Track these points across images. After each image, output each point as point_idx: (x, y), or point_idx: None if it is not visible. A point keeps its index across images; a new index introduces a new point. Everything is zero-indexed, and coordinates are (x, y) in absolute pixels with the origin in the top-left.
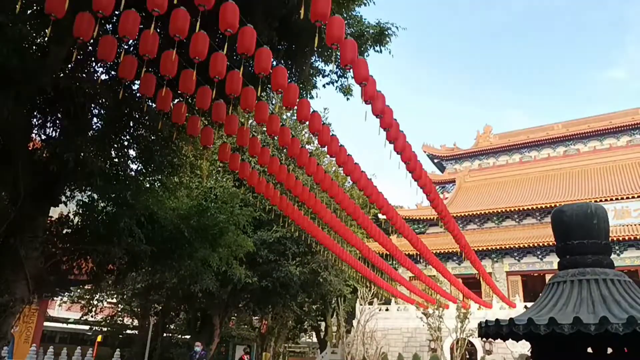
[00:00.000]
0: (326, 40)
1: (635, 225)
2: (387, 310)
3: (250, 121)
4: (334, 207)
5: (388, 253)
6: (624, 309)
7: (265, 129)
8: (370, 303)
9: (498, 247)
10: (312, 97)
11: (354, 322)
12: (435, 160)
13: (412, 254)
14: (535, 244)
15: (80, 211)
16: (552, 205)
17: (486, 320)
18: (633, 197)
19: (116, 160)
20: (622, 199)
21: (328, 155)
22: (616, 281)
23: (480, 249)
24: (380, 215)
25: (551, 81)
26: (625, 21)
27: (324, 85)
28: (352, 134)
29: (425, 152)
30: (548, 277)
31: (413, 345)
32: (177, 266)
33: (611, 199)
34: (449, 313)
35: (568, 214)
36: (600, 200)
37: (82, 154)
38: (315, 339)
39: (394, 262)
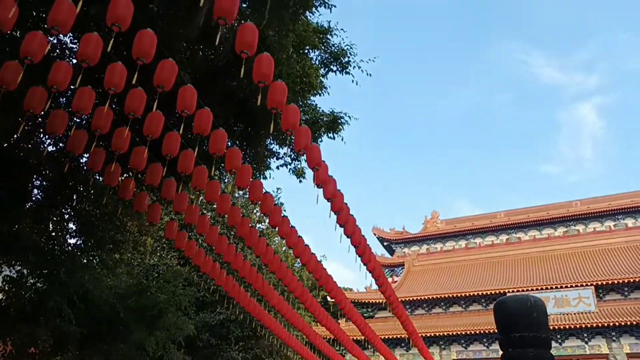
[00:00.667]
0: (282, 126)
1: (574, 314)
2: None
3: (200, 198)
4: (282, 289)
5: (335, 338)
6: None
7: (215, 206)
8: None
9: (445, 334)
10: (265, 178)
11: None
12: (385, 243)
13: (360, 340)
14: (481, 331)
15: (6, 287)
16: (497, 292)
17: None
18: (571, 286)
19: (54, 234)
20: (561, 287)
21: (279, 236)
22: None
23: (428, 335)
24: (329, 299)
25: (494, 172)
26: (556, 122)
27: (277, 167)
28: (304, 215)
29: (375, 234)
30: None
31: None
32: (108, 350)
33: (551, 288)
34: None
35: (509, 306)
36: (542, 289)
37: (17, 226)
38: None
39: (341, 347)
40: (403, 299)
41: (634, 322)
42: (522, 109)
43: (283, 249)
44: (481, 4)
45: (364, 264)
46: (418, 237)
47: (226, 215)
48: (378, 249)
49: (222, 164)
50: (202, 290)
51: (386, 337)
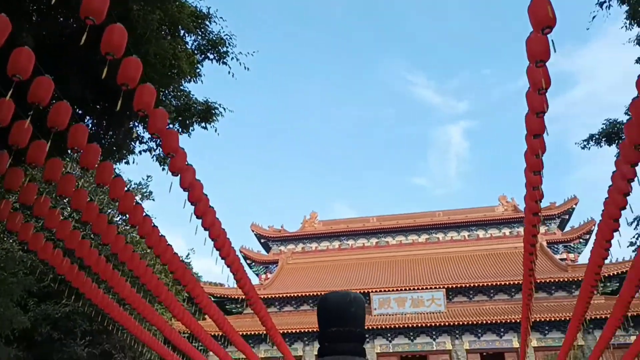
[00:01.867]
0: (134, 106)
1: (427, 313)
2: None
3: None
4: (138, 283)
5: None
6: None
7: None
8: None
9: (310, 330)
10: (128, 163)
11: None
12: (262, 240)
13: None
14: None
15: None
16: (362, 291)
17: None
18: (427, 289)
19: None
20: (419, 289)
21: (130, 224)
22: None
23: (294, 331)
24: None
25: (372, 180)
26: (429, 140)
27: (140, 152)
28: (180, 205)
29: (253, 231)
30: None
31: None
32: None
33: (410, 289)
34: None
35: (330, 302)
36: (402, 290)
37: None
38: None
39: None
40: (273, 296)
41: (475, 322)
42: (402, 124)
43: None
44: (374, 20)
45: (222, 258)
46: (295, 236)
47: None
48: (255, 246)
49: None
50: (47, 280)
51: (255, 332)
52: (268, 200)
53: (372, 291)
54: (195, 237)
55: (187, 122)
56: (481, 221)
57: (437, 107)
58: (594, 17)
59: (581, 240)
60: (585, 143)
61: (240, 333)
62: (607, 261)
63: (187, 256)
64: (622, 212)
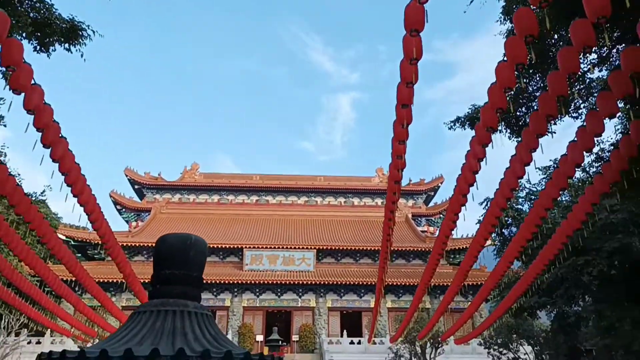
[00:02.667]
0: None
1: (296, 272)
2: (38, 342)
3: None
4: None
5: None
6: (200, 342)
7: None
8: (18, 334)
9: None
10: None
11: None
12: (136, 187)
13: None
14: (215, 281)
15: None
16: (236, 246)
17: (50, 352)
18: (298, 248)
19: None
20: (291, 248)
21: None
22: (195, 314)
23: None
24: (60, 236)
25: (260, 137)
26: (320, 106)
27: None
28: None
29: (127, 175)
30: (219, 312)
31: None
32: None
33: (283, 248)
34: None
35: (168, 243)
36: (275, 248)
37: None
38: None
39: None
40: (142, 244)
41: (340, 282)
42: (294, 85)
43: None
44: None
45: (74, 196)
46: (173, 186)
47: None
48: (127, 192)
49: None
50: None
51: (116, 280)
52: (147, 147)
53: (245, 247)
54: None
55: (47, 40)
56: (358, 189)
57: (331, 74)
58: (471, 2)
59: (441, 215)
60: (452, 124)
61: (99, 280)
62: (458, 236)
63: (42, 193)
64: (471, 188)
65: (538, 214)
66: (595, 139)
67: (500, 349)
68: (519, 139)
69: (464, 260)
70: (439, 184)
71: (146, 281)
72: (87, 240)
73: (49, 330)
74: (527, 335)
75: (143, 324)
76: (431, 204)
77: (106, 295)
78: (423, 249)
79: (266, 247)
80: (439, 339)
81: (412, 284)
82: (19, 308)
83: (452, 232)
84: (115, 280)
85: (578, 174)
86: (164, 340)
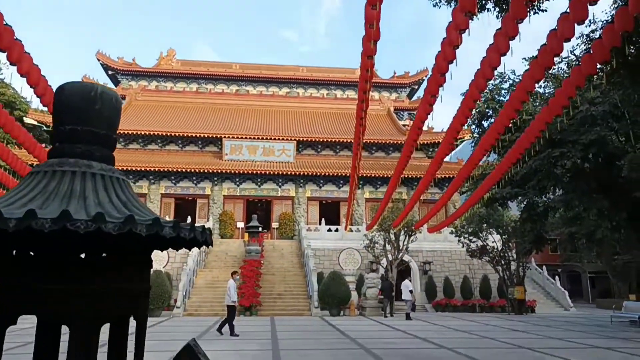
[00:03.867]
0: None
1: (276, 162)
2: None
3: None
4: None
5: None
6: (104, 208)
7: None
8: None
9: (158, 169)
10: None
11: None
12: (110, 72)
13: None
14: (194, 170)
15: None
16: (214, 135)
17: None
18: (278, 139)
19: None
20: (271, 139)
21: None
22: (102, 176)
23: (139, 169)
24: (25, 119)
25: (240, 24)
26: None
27: None
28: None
29: (99, 60)
30: (199, 200)
31: None
32: None
33: (263, 138)
34: None
35: (67, 93)
36: (254, 138)
37: None
38: None
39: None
40: (119, 132)
41: (319, 173)
42: None
43: None
44: None
45: (21, 75)
46: (149, 72)
47: None
48: (101, 78)
49: None
50: None
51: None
52: (120, 30)
53: (224, 136)
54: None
55: None
56: (341, 81)
57: None
58: None
59: None
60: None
61: None
62: (436, 130)
63: None
64: (450, 65)
65: (519, 98)
66: (586, 20)
67: (470, 237)
68: None
69: (440, 148)
70: (423, 77)
71: (123, 168)
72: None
73: None
74: (497, 224)
75: (34, 185)
76: (415, 97)
77: None
78: (403, 142)
79: (246, 138)
80: (413, 227)
81: (389, 176)
82: None
83: (428, 116)
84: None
85: (563, 65)
86: (55, 203)
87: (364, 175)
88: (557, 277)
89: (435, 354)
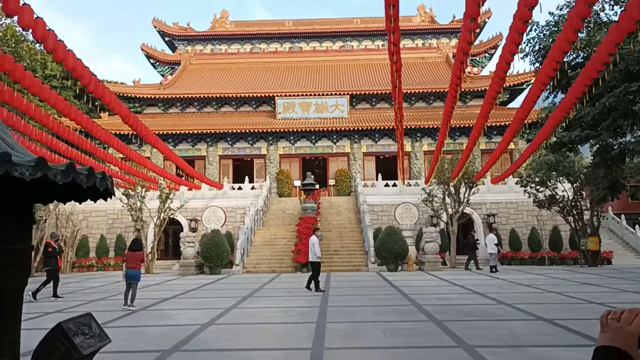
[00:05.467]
0: None
1: (329, 118)
2: None
3: None
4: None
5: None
6: None
7: None
8: None
9: (214, 132)
10: None
11: (50, 206)
12: (167, 39)
13: (125, 134)
14: (249, 130)
15: None
16: (266, 95)
17: None
18: (331, 95)
19: None
20: (323, 95)
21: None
22: None
23: (197, 132)
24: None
25: None
26: None
27: None
28: None
29: (155, 27)
30: (256, 161)
31: (118, 226)
32: None
33: (315, 95)
34: (154, 194)
35: None
36: (307, 95)
37: None
38: None
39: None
40: (175, 96)
41: (374, 128)
42: None
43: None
44: None
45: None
46: (203, 36)
47: None
48: (159, 45)
49: None
50: None
51: (156, 132)
52: None
53: (277, 95)
54: (103, 33)
55: None
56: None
57: None
58: None
59: (486, 54)
60: None
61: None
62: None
63: None
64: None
65: (580, 13)
66: None
67: (537, 187)
68: None
69: (491, 85)
70: (486, 20)
71: (181, 132)
72: (122, 94)
73: None
74: (567, 172)
75: None
76: (476, 42)
77: (163, 143)
78: (464, 90)
79: (298, 95)
80: (473, 178)
81: (456, 126)
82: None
83: (510, 65)
84: (173, 132)
85: None
86: None
87: (421, 126)
88: (637, 227)
89: (492, 310)
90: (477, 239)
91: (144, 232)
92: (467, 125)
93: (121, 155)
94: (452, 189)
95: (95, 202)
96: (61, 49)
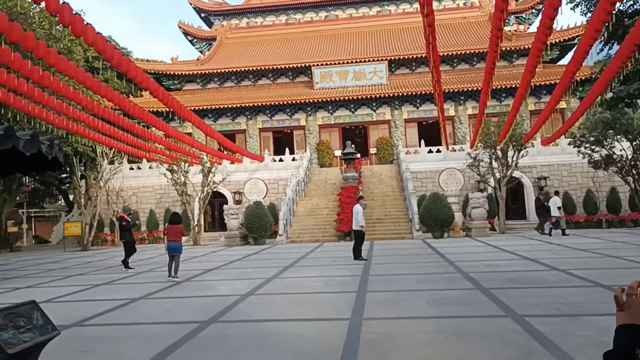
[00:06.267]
0: None
1: (368, 86)
2: (139, 168)
3: None
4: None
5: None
6: None
7: None
8: (112, 162)
9: (253, 105)
10: None
11: (101, 182)
12: (203, 15)
13: (159, 111)
14: (287, 102)
15: None
16: (303, 65)
17: None
18: (369, 61)
19: None
20: (360, 62)
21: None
22: None
23: (236, 106)
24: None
25: None
26: None
27: None
28: None
29: (191, 4)
30: (296, 132)
31: (166, 201)
32: None
33: (352, 62)
34: (197, 169)
35: None
36: (344, 63)
37: None
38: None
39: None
40: (212, 71)
41: (415, 93)
42: None
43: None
44: None
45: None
46: (239, 9)
47: None
48: (195, 22)
49: None
50: None
51: (196, 108)
52: None
53: (314, 65)
54: (145, 16)
55: None
56: None
57: None
58: None
59: (533, 10)
60: None
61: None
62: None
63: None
64: None
65: None
66: None
67: (592, 147)
68: None
69: (536, 36)
70: None
71: (221, 107)
72: (162, 72)
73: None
74: (625, 129)
75: None
76: None
77: (202, 121)
78: (509, 49)
79: (335, 63)
80: (522, 140)
81: (495, 87)
82: (113, 136)
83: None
84: (196, 108)
85: None
86: None
87: (465, 89)
88: None
89: (544, 276)
90: (547, 201)
91: (190, 206)
92: (513, 86)
93: (162, 133)
94: (499, 152)
95: (42, 175)
96: (78, 23)
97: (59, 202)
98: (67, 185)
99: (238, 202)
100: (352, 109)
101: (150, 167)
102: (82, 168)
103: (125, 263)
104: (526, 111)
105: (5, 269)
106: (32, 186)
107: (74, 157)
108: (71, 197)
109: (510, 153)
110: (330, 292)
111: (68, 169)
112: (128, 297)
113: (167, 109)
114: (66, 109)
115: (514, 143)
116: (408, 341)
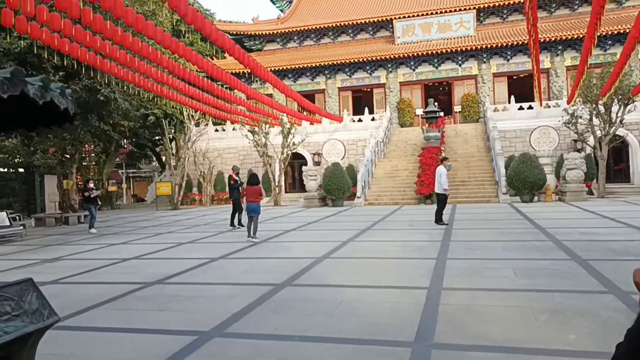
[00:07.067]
0: None
1: (453, 38)
2: (223, 130)
3: None
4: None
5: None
6: None
7: None
8: (197, 124)
9: (332, 63)
10: None
11: (189, 144)
12: None
13: (241, 73)
14: (366, 59)
15: None
16: (384, 18)
17: None
18: (454, 11)
19: None
20: (446, 12)
21: None
22: None
23: (314, 65)
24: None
25: None
26: None
27: None
28: None
29: None
30: (376, 90)
31: (249, 162)
32: None
33: (436, 13)
34: (277, 130)
35: None
36: (427, 14)
37: None
38: (157, 164)
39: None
40: (293, 29)
41: (506, 44)
42: None
43: None
44: None
45: None
46: None
47: None
48: None
49: None
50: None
51: (276, 68)
52: None
53: (395, 18)
54: None
55: None
56: None
57: None
58: None
59: None
60: None
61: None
62: None
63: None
64: None
65: None
66: None
67: None
68: None
69: None
70: None
71: (300, 66)
72: (243, 32)
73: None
74: None
75: None
76: None
77: (280, 81)
78: None
79: (418, 15)
80: (629, 94)
81: (600, 33)
82: (198, 99)
83: None
84: (278, 68)
85: None
86: None
87: (563, 37)
88: None
89: None
90: None
91: (271, 167)
92: (622, 32)
93: (244, 95)
94: (601, 107)
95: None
96: None
97: (153, 162)
98: (160, 147)
99: (317, 164)
100: (436, 64)
101: (233, 129)
102: (172, 130)
103: (233, 221)
104: (636, 60)
105: (104, 225)
106: (129, 148)
107: (163, 120)
108: (163, 158)
109: (614, 108)
110: (407, 257)
111: (159, 130)
112: (208, 257)
113: (248, 71)
114: (154, 72)
115: (620, 97)
116: (492, 316)
